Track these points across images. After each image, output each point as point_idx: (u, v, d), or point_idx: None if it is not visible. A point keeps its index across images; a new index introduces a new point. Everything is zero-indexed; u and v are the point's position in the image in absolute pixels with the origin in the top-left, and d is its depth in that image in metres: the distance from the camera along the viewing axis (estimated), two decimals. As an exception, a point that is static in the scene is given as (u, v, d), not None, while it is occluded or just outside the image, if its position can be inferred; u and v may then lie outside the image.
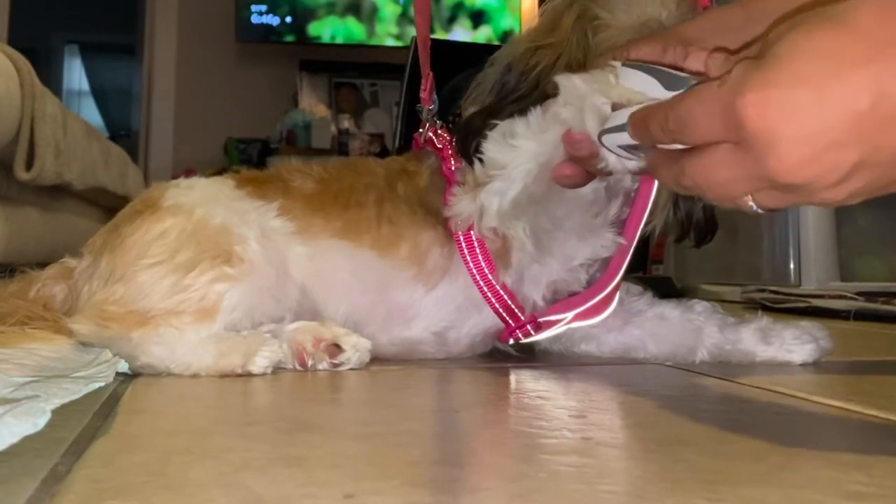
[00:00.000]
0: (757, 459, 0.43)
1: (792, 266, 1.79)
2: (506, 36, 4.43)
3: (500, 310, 0.80)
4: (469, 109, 0.80)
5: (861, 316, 1.42)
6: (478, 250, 0.79)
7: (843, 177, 0.44)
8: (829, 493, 0.37)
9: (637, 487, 0.39)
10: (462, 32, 4.37)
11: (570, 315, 0.80)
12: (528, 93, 0.74)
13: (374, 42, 4.39)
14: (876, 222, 1.83)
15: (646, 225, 0.79)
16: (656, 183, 0.75)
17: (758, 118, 0.44)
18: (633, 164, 0.57)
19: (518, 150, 0.69)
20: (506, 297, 0.80)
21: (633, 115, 0.55)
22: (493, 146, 0.72)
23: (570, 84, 0.62)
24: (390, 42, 4.39)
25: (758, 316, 0.83)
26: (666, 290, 0.87)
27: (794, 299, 1.59)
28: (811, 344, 0.80)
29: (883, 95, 0.42)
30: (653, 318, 0.84)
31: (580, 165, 0.64)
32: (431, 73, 0.89)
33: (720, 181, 0.49)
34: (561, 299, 0.82)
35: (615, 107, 0.58)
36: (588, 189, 0.73)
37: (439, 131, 0.85)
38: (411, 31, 4.26)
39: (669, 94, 0.54)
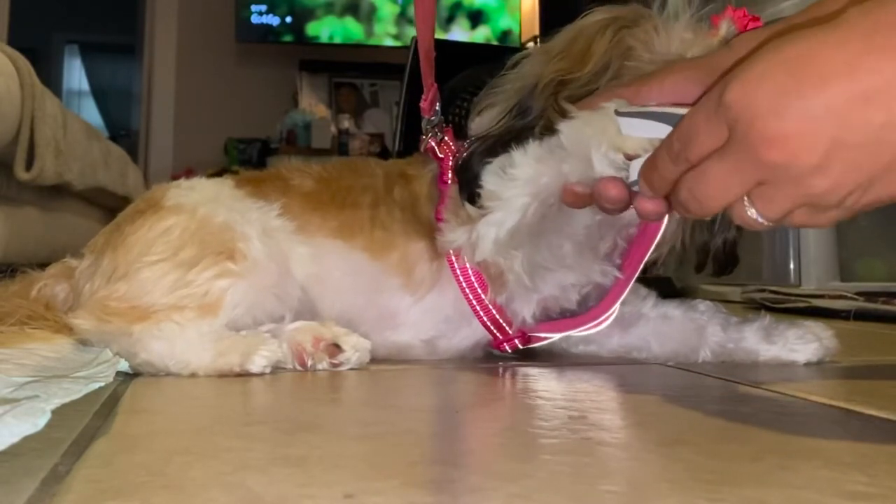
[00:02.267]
0: (757, 459, 0.43)
1: (792, 266, 1.80)
2: (504, 36, 4.43)
3: (489, 323, 0.81)
4: (481, 119, 0.79)
5: (861, 316, 1.42)
6: (469, 268, 0.79)
7: (822, 157, 0.45)
8: (829, 493, 0.37)
9: (637, 487, 0.39)
10: (460, 32, 4.36)
11: (558, 335, 0.82)
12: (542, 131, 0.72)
13: (372, 42, 4.39)
14: (876, 222, 1.83)
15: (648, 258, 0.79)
16: (665, 223, 0.75)
17: (739, 97, 0.47)
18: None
19: (516, 181, 0.69)
20: (494, 312, 0.80)
21: (640, 171, 0.57)
22: (492, 178, 0.71)
23: (574, 133, 0.63)
24: (389, 42, 4.39)
25: (761, 315, 0.83)
26: (666, 290, 0.87)
27: (794, 299, 1.59)
28: (814, 343, 0.80)
29: (854, 71, 0.44)
30: (656, 318, 0.84)
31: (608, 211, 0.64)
32: (436, 86, 0.88)
33: (713, 181, 0.50)
34: (553, 317, 0.82)
35: (629, 157, 0.60)
36: (580, 226, 0.74)
37: (445, 139, 0.84)
38: (410, 32, 4.26)
39: None
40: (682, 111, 0.55)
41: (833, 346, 0.81)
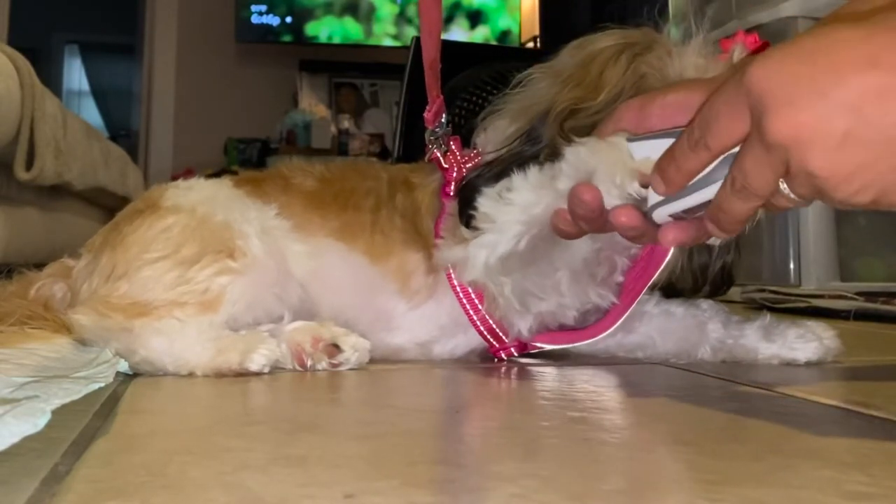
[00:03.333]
0: (757, 459, 0.43)
1: (792, 266, 1.79)
2: (503, 36, 4.43)
3: (485, 332, 0.81)
4: (486, 135, 0.79)
5: (861, 316, 1.42)
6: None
7: (835, 147, 0.45)
8: (829, 493, 0.37)
9: (637, 487, 0.39)
10: (459, 32, 4.36)
11: (554, 347, 0.82)
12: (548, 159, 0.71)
13: (371, 42, 4.39)
14: (876, 222, 1.83)
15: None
16: (671, 250, 0.75)
17: (758, 81, 0.46)
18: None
19: (512, 206, 0.69)
20: (491, 322, 0.80)
21: (656, 164, 0.56)
22: (487, 202, 0.71)
23: (579, 159, 0.61)
24: (388, 42, 4.38)
25: (762, 315, 0.83)
26: (668, 290, 0.87)
27: (794, 299, 1.59)
28: (814, 342, 0.80)
29: (874, 66, 0.43)
30: (659, 315, 0.84)
31: (581, 225, 0.62)
32: (441, 97, 0.87)
33: (750, 168, 0.49)
34: (552, 329, 0.82)
35: (644, 182, 0.57)
36: (577, 256, 0.73)
37: (452, 148, 0.84)
38: (409, 32, 4.26)
39: None
40: None
41: (835, 346, 0.81)
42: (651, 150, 0.57)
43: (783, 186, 0.50)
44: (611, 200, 0.58)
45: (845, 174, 0.45)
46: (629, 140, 0.59)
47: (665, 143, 0.56)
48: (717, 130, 0.50)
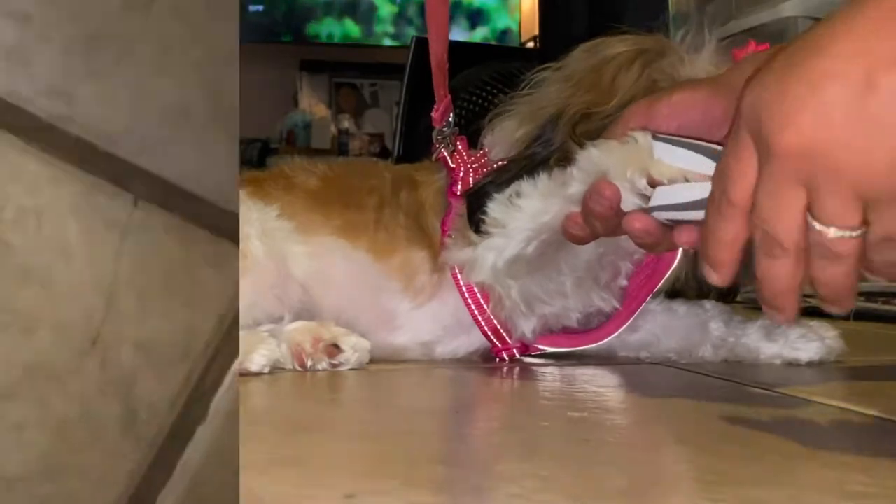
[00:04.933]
0: (757, 459, 0.43)
1: (792, 266, 1.79)
2: (503, 36, 4.43)
3: (489, 332, 0.81)
4: (493, 136, 0.79)
5: (861, 316, 1.42)
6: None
7: (840, 130, 0.41)
8: (830, 494, 0.37)
9: (638, 487, 0.39)
10: (459, 32, 4.36)
11: (557, 350, 0.82)
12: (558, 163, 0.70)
13: (371, 42, 4.39)
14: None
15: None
16: (679, 253, 0.74)
17: (747, 103, 0.44)
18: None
19: (522, 212, 0.69)
20: (496, 322, 0.80)
21: (700, 250, 0.52)
22: (497, 206, 0.71)
23: (591, 162, 0.60)
24: (388, 42, 4.39)
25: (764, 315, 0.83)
26: (669, 291, 0.87)
27: (793, 299, 1.59)
28: (817, 342, 0.80)
29: (862, 55, 0.40)
30: (662, 313, 0.84)
31: (595, 225, 0.60)
32: (448, 97, 0.87)
33: (765, 204, 0.44)
34: (555, 331, 0.82)
35: (651, 182, 0.56)
36: (582, 261, 0.73)
37: (459, 148, 0.83)
38: (409, 32, 4.26)
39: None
40: (720, 148, 0.52)
41: (838, 346, 0.81)
42: (671, 156, 0.56)
43: (830, 231, 0.42)
44: (624, 195, 0.57)
45: (865, 151, 0.40)
46: (655, 138, 0.57)
47: (688, 155, 0.54)
48: (735, 180, 0.46)
